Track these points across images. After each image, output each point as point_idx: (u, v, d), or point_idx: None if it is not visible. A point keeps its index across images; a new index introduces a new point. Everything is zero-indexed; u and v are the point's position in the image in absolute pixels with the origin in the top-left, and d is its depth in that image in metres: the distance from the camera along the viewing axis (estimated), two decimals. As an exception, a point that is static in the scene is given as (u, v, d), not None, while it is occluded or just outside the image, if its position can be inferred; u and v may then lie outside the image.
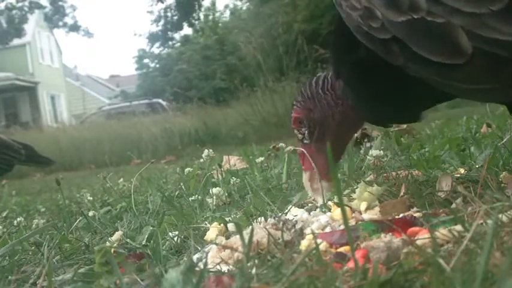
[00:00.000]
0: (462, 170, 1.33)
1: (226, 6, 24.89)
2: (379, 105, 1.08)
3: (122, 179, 2.87)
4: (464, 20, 0.82)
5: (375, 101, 1.08)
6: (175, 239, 1.16)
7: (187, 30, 22.14)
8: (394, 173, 1.37)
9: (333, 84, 1.14)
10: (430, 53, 0.85)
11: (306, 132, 1.16)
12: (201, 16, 22.16)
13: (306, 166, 1.17)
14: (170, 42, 23.11)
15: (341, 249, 0.80)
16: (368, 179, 1.39)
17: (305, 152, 1.17)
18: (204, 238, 1.11)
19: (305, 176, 1.16)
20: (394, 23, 0.87)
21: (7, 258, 1.19)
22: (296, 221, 0.99)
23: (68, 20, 23.52)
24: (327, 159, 1.12)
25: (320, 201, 1.14)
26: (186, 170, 2.33)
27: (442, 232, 0.74)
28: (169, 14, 20.35)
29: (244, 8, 21.26)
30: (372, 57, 0.96)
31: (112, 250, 1.07)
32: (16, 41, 21.23)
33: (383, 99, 1.06)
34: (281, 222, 0.97)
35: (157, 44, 23.04)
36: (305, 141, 1.17)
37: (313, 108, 1.15)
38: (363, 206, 1.06)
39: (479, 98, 1.00)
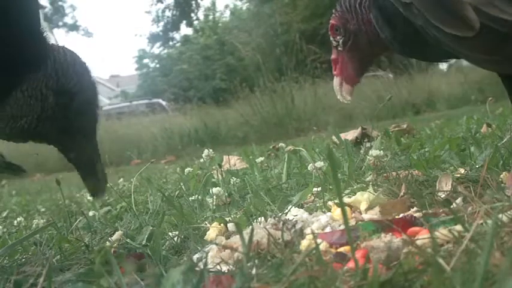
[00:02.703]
0: (462, 170, 1.33)
1: (226, 6, 24.92)
2: (404, 40, 1.13)
3: (121, 179, 2.87)
4: None
5: (401, 36, 1.13)
6: (175, 239, 1.16)
7: (187, 30, 22.15)
8: (394, 173, 1.37)
9: (369, 4, 1.21)
10: (442, 24, 0.93)
11: (341, 40, 1.25)
12: (201, 16, 22.17)
13: (338, 72, 1.28)
14: (170, 43, 23.12)
15: (341, 249, 0.80)
16: (368, 179, 1.39)
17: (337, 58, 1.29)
18: (204, 238, 1.11)
19: (336, 81, 1.27)
20: None
21: (7, 258, 1.19)
22: (296, 221, 0.99)
23: (68, 20, 23.54)
24: (355, 67, 1.26)
25: (341, 99, 1.27)
26: (186, 170, 2.33)
27: (442, 232, 0.74)
28: (168, 14, 20.36)
29: (244, 8, 21.27)
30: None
31: (112, 250, 1.07)
32: (16, 41, 21.17)
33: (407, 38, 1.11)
34: (281, 222, 0.97)
35: (157, 44, 23.05)
36: (339, 48, 1.26)
37: (350, 20, 1.23)
38: (363, 206, 1.06)
39: (486, 67, 1.04)
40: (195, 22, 21.84)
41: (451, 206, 0.96)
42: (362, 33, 1.22)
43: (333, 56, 1.29)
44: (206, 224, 1.23)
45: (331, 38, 1.27)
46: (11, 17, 0.95)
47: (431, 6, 0.94)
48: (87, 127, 1.10)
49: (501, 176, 1.13)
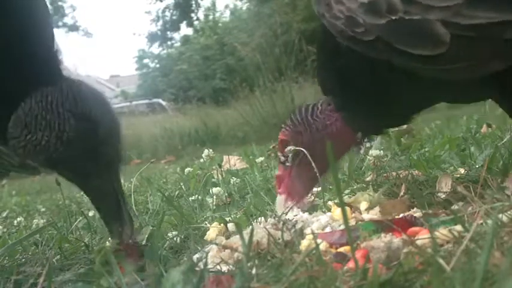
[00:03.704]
0: (462, 170, 1.33)
1: (226, 6, 24.87)
2: (368, 110, 1.09)
3: (121, 179, 2.87)
4: (439, 13, 0.86)
5: (363, 105, 1.09)
6: (175, 239, 1.16)
7: (187, 30, 22.15)
8: (394, 173, 1.37)
9: (322, 109, 1.17)
10: (412, 48, 0.90)
11: (291, 155, 1.16)
12: (201, 16, 22.18)
13: (282, 190, 1.18)
14: (169, 42, 23.12)
15: (341, 249, 0.80)
16: (368, 179, 1.39)
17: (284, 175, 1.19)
18: (204, 238, 1.11)
19: (279, 199, 1.17)
20: (376, 25, 0.92)
21: (7, 258, 1.19)
22: (296, 221, 0.99)
23: (68, 20, 23.54)
24: (304, 184, 1.17)
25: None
26: (186, 170, 2.33)
27: (442, 232, 0.74)
28: (168, 14, 20.37)
29: (244, 8, 21.27)
30: (355, 62, 1.02)
31: (112, 250, 1.07)
32: (16, 41, 21.15)
33: (370, 102, 1.08)
34: (281, 222, 0.97)
35: (156, 44, 23.06)
36: (286, 164, 1.17)
37: (302, 132, 1.17)
38: (363, 206, 1.06)
39: (461, 79, 1.00)
40: (195, 22, 21.86)
41: (452, 206, 0.96)
42: (317, 143, 1.14)
43: (278, 173, 1.20)
44: (206, 224, 1.23)
45: (279, 154, 1.20)
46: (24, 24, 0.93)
47: (397, 33, 0.90)
48: (113, 160, 1.00)
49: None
